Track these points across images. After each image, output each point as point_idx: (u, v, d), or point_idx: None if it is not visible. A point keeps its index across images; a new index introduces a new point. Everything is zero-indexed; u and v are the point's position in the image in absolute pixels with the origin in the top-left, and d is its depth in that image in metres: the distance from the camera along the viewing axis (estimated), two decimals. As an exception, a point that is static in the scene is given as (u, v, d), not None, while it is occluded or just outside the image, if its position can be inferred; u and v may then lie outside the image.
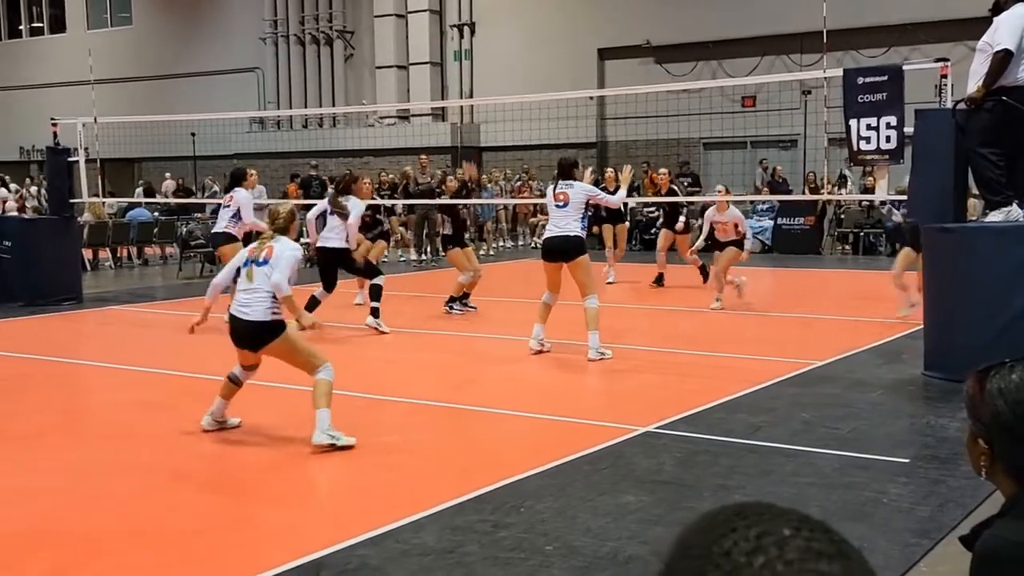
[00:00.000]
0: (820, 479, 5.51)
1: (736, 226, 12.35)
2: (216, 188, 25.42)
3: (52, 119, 14.72)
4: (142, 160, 31.03)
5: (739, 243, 12.41)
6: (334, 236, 10.87)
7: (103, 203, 19.02)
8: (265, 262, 6.30)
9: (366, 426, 6.58)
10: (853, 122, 8.77)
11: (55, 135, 14.52)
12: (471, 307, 12.29)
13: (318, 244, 11.23)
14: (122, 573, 4.39)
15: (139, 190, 26.12)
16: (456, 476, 5.68)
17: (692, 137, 24.36)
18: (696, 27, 24.47)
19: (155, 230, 20.39)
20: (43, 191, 24.22)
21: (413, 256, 19.84)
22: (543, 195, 18.67)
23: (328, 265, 11.01)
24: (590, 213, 12.20)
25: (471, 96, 27.92)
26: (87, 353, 10.24)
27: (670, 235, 14.64)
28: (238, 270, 6.44)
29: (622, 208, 15.41)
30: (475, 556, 4.46)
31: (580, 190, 9.38)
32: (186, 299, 14.24)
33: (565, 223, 9.23)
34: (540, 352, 9.38)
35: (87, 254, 18.37)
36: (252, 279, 6.29)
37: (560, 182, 9.49)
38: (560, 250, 9.23)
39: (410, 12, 28.40)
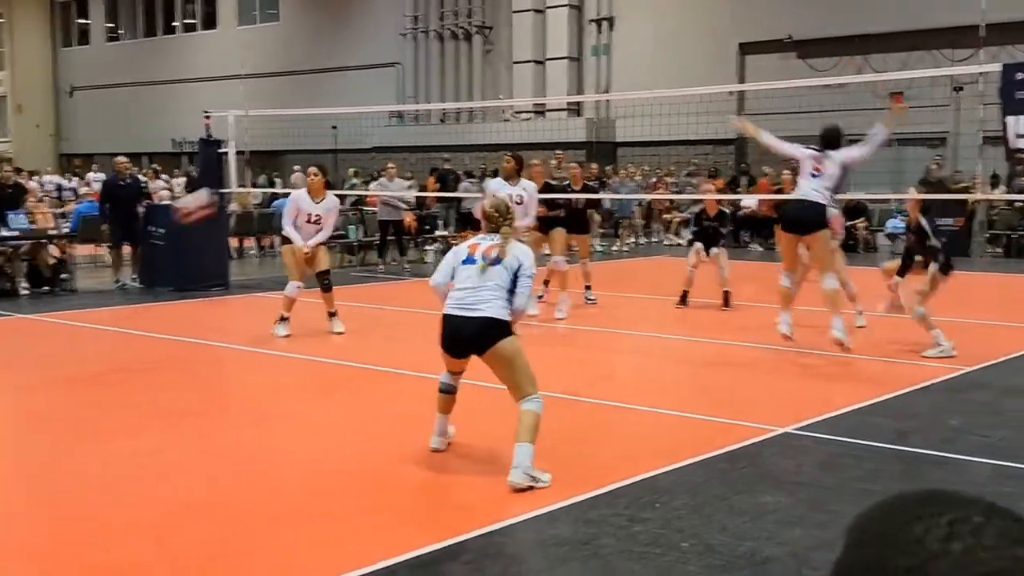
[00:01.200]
0: (970, 488, 5.27)
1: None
2: (356, 181, 26.00)
3: (205, 112, 15.31)
4: (285, 152, 31.93)
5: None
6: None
7: (249, 193, 19.68)
8: (498, 261, 5.61)
9: (505, 418, 6.64)
10: (1011, 119, 8.41)
11: (207, 127, 15.10)
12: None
13: None
14: (275, 550, 4.54)
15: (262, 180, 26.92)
16: (591, 470, 5.68)
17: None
18: (840, 21, 23.80)
19: (297, 220, 20.93)
20: (174, 181, 25.25)
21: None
22: (680, 191, 18.51)
23: None
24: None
25: (607, 91, 27.80)
26: (234, 337, 10.61)
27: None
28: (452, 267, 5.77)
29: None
30: (611, 549, 4.45)
31: (834, 162, 8.81)
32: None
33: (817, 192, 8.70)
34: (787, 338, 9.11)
35: (233, 243, 19.03)
36: (480, 278, 5.60)
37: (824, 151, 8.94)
38: (804, 221, 8.73)
39: (549, 7, 28.46)
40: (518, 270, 5.63)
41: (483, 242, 5.75)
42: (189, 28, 39.05)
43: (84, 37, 42.78)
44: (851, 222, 17.81)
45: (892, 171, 22.64)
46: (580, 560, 4.33)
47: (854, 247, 20.07)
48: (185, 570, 4.32)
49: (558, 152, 21.58)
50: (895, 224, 20.14)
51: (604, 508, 4.98)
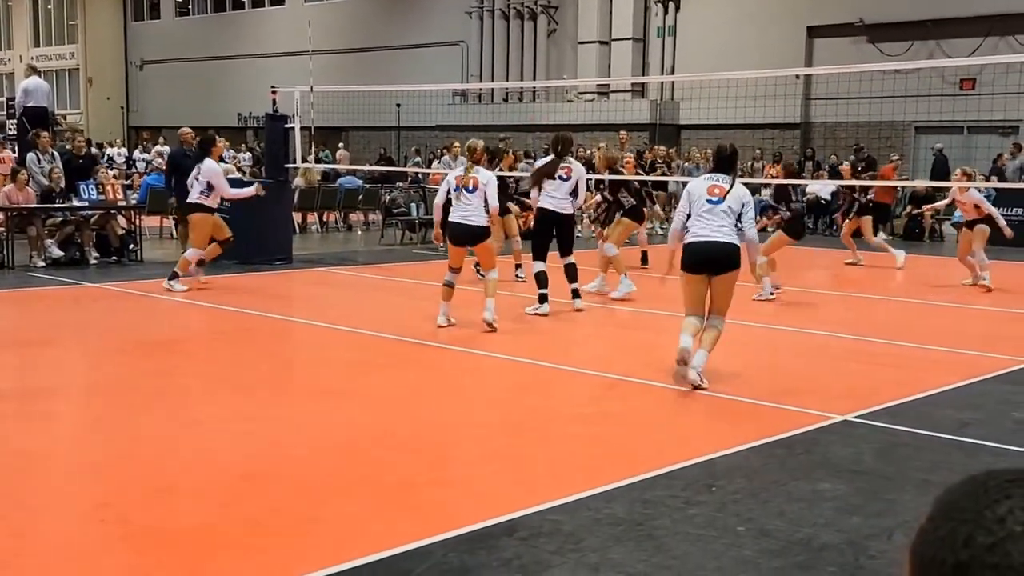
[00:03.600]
0: (1032, 482, 5.23)
1: (976, 207, 12.57)
2: (419, 159, 26.17)
3: (272, 87, 15.48)
4: (349, 129, 32.20)
5: (986, 222, 12.59)
6: (560, 197, 10.25)
7: (314, 168, 19.91)
8: (473, 189, 8.93)
9: (562, 396, 6.69)
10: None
11: (274, 102, 15.27)
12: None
13: (539, 205, 10.44)
14: (337, 518, 4.64)
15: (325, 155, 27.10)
16: (648, 451, 5.71)
17: (904, 120, 23.31)
18: (913, 5, 23.34)
19: (360, 197, 21.18)
20: (240, 156, 25.56)
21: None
22: (748, 174, 18.34)
23: (547, 229, 10.34)
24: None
25: (672, 73, 27.58)
26: (298, 311, 10.79)
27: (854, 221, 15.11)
28: (448, 196, 9.20)
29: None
30: (666, 530, 4.48)
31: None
32: (388, 264, 14.79)
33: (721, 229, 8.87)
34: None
35: (297, 218, 19.28)
36: (463, 199, 8.98)
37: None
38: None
39: (615, -13, 28.29)
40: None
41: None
42: (257, 4, 39.43)
43: (155, 11, 43.43)
44: (918, 210, 17.49)
45: (961, 159, 22.23)
46: (634, 540, 4.37)
47: (920, 235, 19.74)
48: (250, 534, 4.44)
49: (622, 133, 21.52)
50: (959, 216, 19.73)
51: (660, 489, 5.01)
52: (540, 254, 10.19)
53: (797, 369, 8.36)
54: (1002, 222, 13.01)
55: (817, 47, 25.63)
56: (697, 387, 6.98)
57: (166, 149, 30.48)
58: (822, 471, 5.37)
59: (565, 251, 10.43)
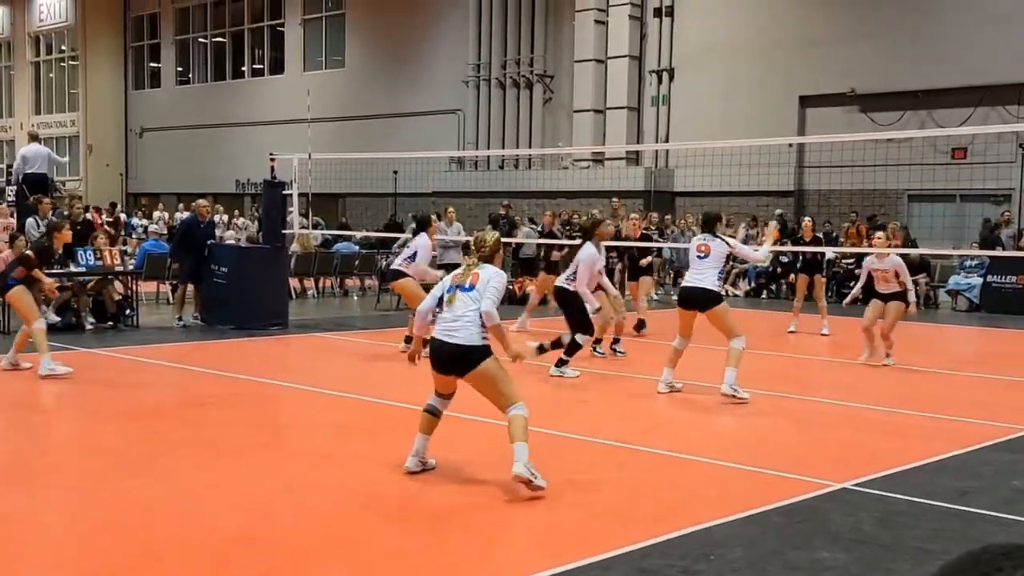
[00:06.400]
0: (1033, 551, 5.17)
1: (897, 275, 11.52)
2: (414, 225, 26.29)
3: (271, 154, 15.61)
4: (346, 195, 32.41)
5: (902, 295, 11.55)
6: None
7: (311, 234, 19.98)
8: (471, 288, 6.26)
9: (558, 463, 6.64)
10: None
11: (272, 169, 15.39)
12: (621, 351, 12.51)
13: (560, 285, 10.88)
14: (323, 586, 4.58)
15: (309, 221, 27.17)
16: (645, 519, 5.65)
17: (896, 188, 23.51)
18: (904, 75, 23.67)
19: (356, 262, 21.24)
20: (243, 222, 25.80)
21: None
22: (746, 240, 18.51)
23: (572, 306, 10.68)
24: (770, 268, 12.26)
25: (667, 140, 27.86)
26: (292, 376, 10.74)
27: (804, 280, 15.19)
28: (441, 297, 6.40)
29: (819, 259, 15.17)
30: (664, 600, 4.42)
31: (721, 244, 9.67)
32: (383, 329, 14.77)
33: (703, 275, 9.53)
34: (671, 392, 9.71)
35: (293, 283, 19.31)
36: (454, 304, 6.24)
37: (704, 234, 9.87)
38: (697, 300, 9.56)
39: (610, 57, 28.67)
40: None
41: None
42: (256, 73, 39.93)
43: (155, 80, 43.93)
44: (914, 277, 17.50)
45: (954, 227, 22.39)
46: (633, 609, 4.30)
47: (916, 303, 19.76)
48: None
49: (615, 200, 21.66)
50: (957, 280, 19.85)
51: (659, 558, 4.95)
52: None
53: (792, 436, 8.32)
54: (911, 297, 11.73)
55: (810, 116, 25.94)
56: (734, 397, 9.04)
57: (165, 215, 30.74)
58: (821, 540, 5.32)
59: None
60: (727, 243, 9.77)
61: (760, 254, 10.90)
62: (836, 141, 17.49)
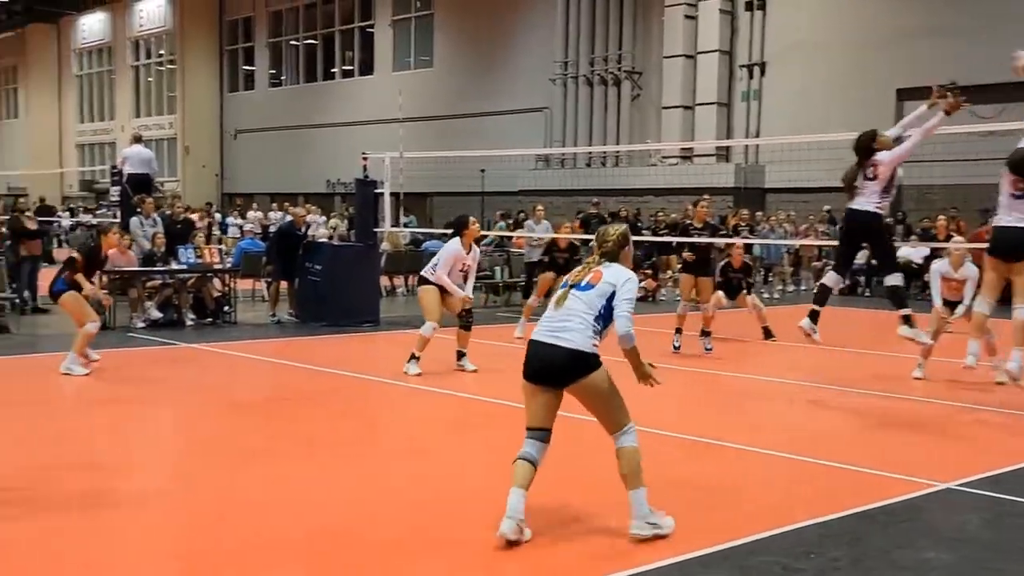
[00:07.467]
0: None
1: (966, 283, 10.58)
2: (503, 224, 26.40)
3: (363, 154, 15.84)
4: (434, 195, 32.68)
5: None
6: None
7: (400, 232, 20.19)
8: (589, 287, 5.10)
9: (652, 459, 6.59)
10: None
11: (364, 168, 15.60)
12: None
13: None
14: (423, 577, 4.62)
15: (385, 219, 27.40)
16: (744, 517, 5.58)
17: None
18: (1007, 66, 22.90)
19: (445, 260, 21.33)
20: (326, 222, 26.27)
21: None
22: (831, 236, 18.07)
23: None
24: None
25: (757, 136, 27.47)
26: (384, 372, 10.87)
27: None
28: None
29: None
30: (765, 597, 4.37)
31: None
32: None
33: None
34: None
35: (384, 281, 19.53)
36: (565, 304, 5.12)
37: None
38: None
39: (699, 53, 28.40)
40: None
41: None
42: (347, 74, 40.51)
43: (249, 82, 44.92)
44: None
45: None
46: (734, 606, 4.27)
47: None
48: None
49: (705, 197, 21.41)
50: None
51: (760, 555, 4.89)
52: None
53: (894, 435, 8.13)
54: (960, 310, 10.72)
55: (907, 109, 25.15)
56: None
57: (259, 214, 31.42)
58: (926, 540, 5.20)
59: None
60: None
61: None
62: (935, 134, 16.96)
